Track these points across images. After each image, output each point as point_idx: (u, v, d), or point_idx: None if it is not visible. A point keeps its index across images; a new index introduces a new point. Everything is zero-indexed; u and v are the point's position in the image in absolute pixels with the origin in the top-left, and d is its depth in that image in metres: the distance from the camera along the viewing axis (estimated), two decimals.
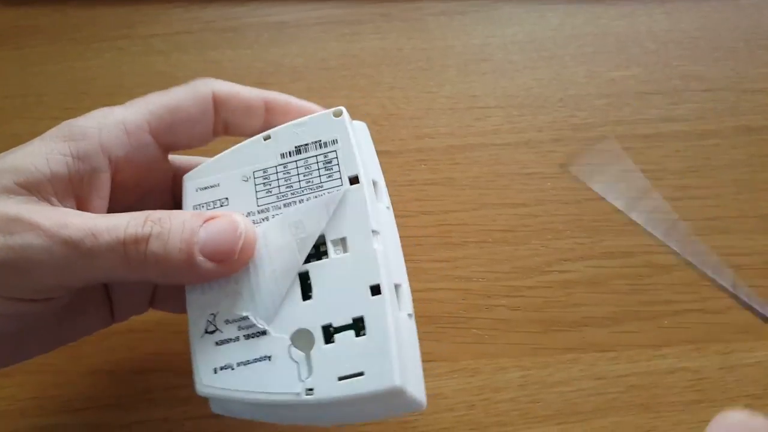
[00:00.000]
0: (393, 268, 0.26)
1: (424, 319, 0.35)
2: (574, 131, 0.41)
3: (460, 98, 0.42)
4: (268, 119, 0.30)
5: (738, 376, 0.34)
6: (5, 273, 0.23)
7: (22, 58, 0.46)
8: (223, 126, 0.29)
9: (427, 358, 0.34)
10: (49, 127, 0.41)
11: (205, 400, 0.33)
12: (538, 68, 0.43)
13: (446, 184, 0.39)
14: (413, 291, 0.35)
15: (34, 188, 0.24)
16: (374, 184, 0.27)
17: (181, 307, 0.29)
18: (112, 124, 0.26)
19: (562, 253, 0.37)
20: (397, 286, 0.26)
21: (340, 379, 0.23)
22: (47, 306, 0.25)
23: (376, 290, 0.24)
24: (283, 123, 0.29)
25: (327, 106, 0.42)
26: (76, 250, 0.23)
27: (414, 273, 0.36)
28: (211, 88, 0.28)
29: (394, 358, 0.23)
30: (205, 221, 0.24)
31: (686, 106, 0.41)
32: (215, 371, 0.25)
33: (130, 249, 0.23)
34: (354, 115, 0.41)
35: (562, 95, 0.42)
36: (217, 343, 0.25)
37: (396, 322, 0.24)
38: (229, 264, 0.24)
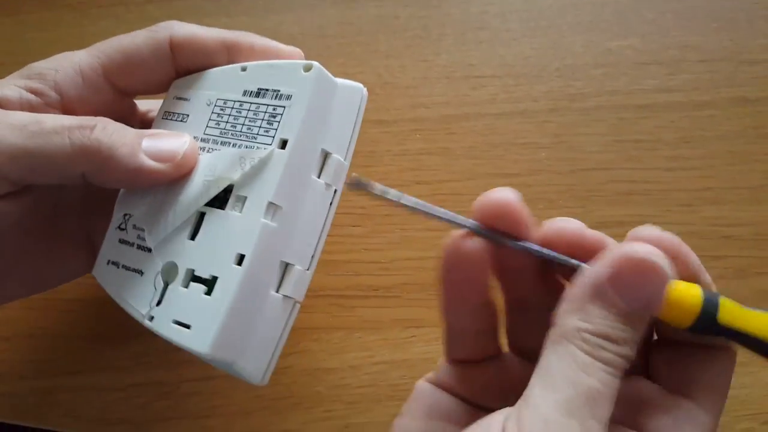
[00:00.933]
0: (292, 248, 0.25)
1: (415, 286, 0.36)
2: (570, 101, 0.40)
3: (457, 67, 0.42)
4: (232, 61, 0.29)
5: None
6: None
7: (18, 25, 0.45)
8: (185, 71, 0.29)
9: (418, 324, 0.35)
10: None
11: (201, 363, 0.34)
12: (535, 37, 0.43)
13: (441, 154, 0.39)
14: (405, 259, 0.36)
15: None
16: (325, 156, 0.26)
17: None
18: (68, 66, 0.27)
19: None
20: (287, 266, 0.25)
21: (174, 322, 0.24)
22: (8, 206, 0.26)
23: (240, 260, 0.24)
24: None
25: None
26: (20, 132, 0.24)
27: (406, 242, 0.37)
28: (169, 33, 0.28)
29: (218, 327, 0.23)
30: (152, 135, 0.26)
31: (683, 77, 0.41)
32: (107, 263, 0.27)
33: (74, 133, 0.24)
34: None
35: (559, 65, 0.42)
36: (119, 241, 0.27)
37: (251, 297, 0.24)
38: (173, 165, 0.25)
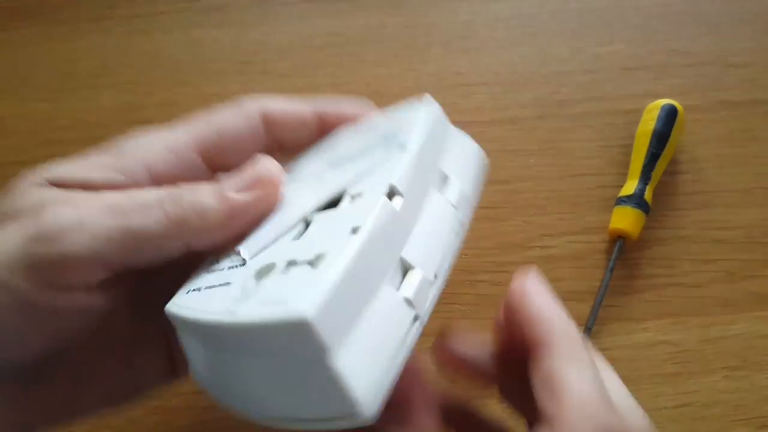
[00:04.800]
0: (414, 249, 0.21)
1: None
2: (558, 107, 0.41)
3: (444, 76, 0.42)
4: (322, 129, 0.28)
5: (717, 349, 0.34)
6: (35, 248, 0.21)
7: (7, 41, 0.45)
8: (278, 144, 0.28)
9: None
10: (35, 109, 0.42)
11: (191, 378, 0.33)
12: (522, 45, 0.43)
13: None
14: None
15: (66, 185, 0.23)
16: (445, 178, 0.25)
17: None
18: (155, 143, 0.26)
19: (544, 228, 0.37)
20: (409, 268, 0.21)
21: (263, 304, 0.19)
22: (88, 300, 0.23)
23: (354, 231, 0.20)
24: (336, 130, 0.28)
25: (311, 84, 0.42)
26: (109, 211, 0.22)
27: None
28: (260, 107, 0.27)
29: (323, 291, 0.17)
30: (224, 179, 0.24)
31: (670, 81, 0.41)
32: (188, 292, 0.23)
33: (165, 203, 0.22)
34: (338, 93, 0.42)
35: (546, 72, 0.42)
36: (208, 270, 0.23)
37: (364, 276, 0.19)
38: (262, 187, 0.24)
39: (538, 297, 0.23)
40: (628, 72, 0.41)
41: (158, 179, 0.25)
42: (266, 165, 0.24)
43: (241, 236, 0.24)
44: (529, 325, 0.22)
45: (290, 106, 0.28)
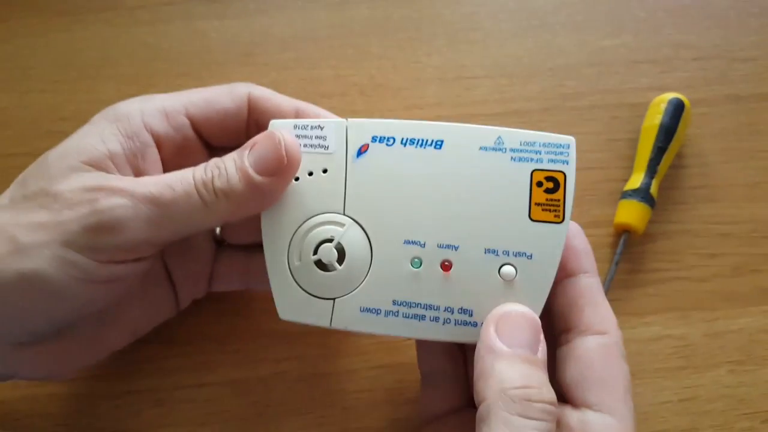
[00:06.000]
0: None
1: None
2: (563, 100, 0.40)
3: (449, 68, 0.42)
4: None
5: (722, 343, 0.34)
6: (99, 235, 0.24)
7: (8, 31, 0.45)
8: (255, 127, 0.31)
9: None
10: (37, 100, 0.42)
11: (195, 370, 0.34)
12: (527, 37, 0.42)
13: None
14: None
15: (98, 165, 0.26)
16: None
17: (236, 284, 0.33)
18: (151, 107, 0.29)
19: None
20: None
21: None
22: (140, 267, 0.27)
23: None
24: None
25: (315, 76, 0.42)
26: (157, 202, 0.25)
27: None
28: (248, 90, 0.30)
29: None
30: (249, 149, 0.26)
31: (675, 75, 0.41)
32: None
33: (202, 191, 0.25)
34: (342, 85, 0.41)
35: (552, 64, 0.41)
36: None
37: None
38: (283, 172, 0.26)
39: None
40: (634, 65, 0.41)
41: (158, 139, 0.28)
42: (289, 144, 0.26)
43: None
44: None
45: (274, 96, 0.31)
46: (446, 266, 0.26)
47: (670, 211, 0.37)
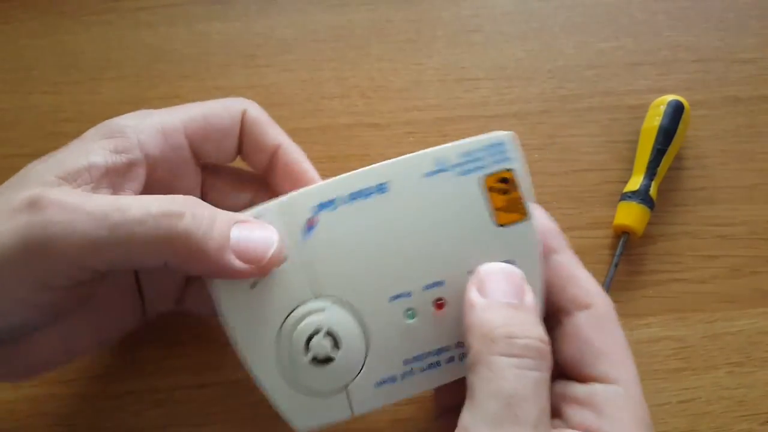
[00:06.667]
0: None
1: None
2: (562, 102, 0.40)
3: (449, 70, 0.42)
4: (272, 162, 0.30)
5: (720, 345, 0.34)
6: (32, 255, 0.22)
7: (11, 32, 0.45)
8: (241, 145, 0.30)
9: None
10: (39, 102, 0.42)
11: (195, 371, 0.34)
12: (527, 39, 0.43)
13: None
14: None
15: (71, 178, 0.24)
16: None
17: (203, 309, 0.31)
18: (149, 125, 0.27)
19: None
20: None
21: None
22: (82, 292, 0.25)
23: None
24: (277, 180, 0.30)
25: (316, 78, 0.42)
26: (101, 222, 0.22)
27: None
28: (243, 107, 0.29)
29: None
30: (237, 223, 0.25)
31: (675, 77, 0.41)
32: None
33: (161, 223, 0.23)
34: (343, 87, 0.42)
35: (551, 66, 0.42)
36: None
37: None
38: (257, 268, 0.24)
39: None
40: (634, 67, 0.41)
41: (152, 159, 0.27)
42: (278, 246, 0.25)
43: None
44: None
45: (266, 124, 0.30)
46: (440, 305, 0.26)
47: (669, 212, 0.37)
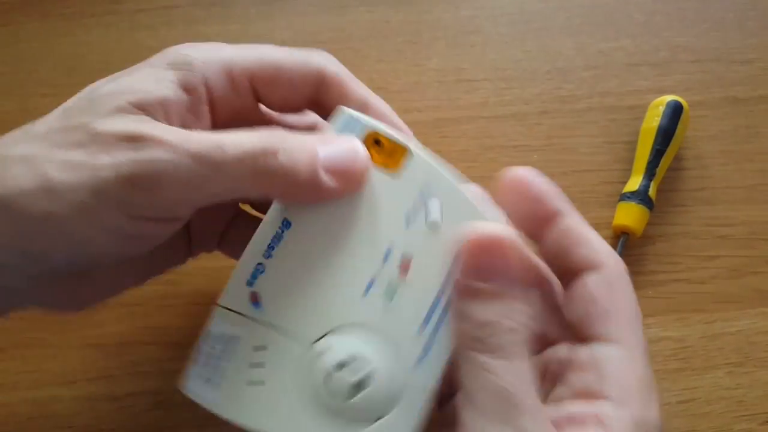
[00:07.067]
0: None
1: None
2: (561, 103, 0.41)
3: (448, 71, 0.42)
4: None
5: (720, 345, 0.34)
6: (135, 190, 0.22)
7: (11, 35, 0.45)
8: (317, 104, 0.29)
9: None
10: (39, 105, 0.42)
11: None
12: (526, 40, 0.43)
13: None
14: None
15: (147, 110, 0.24)
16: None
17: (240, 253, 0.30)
18: (217, 62, 0.26)
19: None
20: None
21: None
22: (172, 227, 0.25)
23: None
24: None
25: None
26: (204, 162, 0.22)
27: None
28: (323, 64, 0.28)
29: None
30: (323, 141, 0.25)
31: (674, 77, 0.41)
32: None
33: (259, 161, 0.23)
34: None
35: (550, 67, 0.42)
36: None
37: None
38: (350, 182, 0.25)
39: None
40: (632, 68, 0.41)
41: (215, 99, 0.26)
42: (363, 159, 0.25)
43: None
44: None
45: (347, 81, 0.29)
46: (405, 266, 0.25)
47: (668, 213, 0.37)
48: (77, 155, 0.22)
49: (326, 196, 0.25)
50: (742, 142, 0.39)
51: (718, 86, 0.40)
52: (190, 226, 0.31)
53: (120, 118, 0.23)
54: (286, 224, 0.25)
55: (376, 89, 0.42)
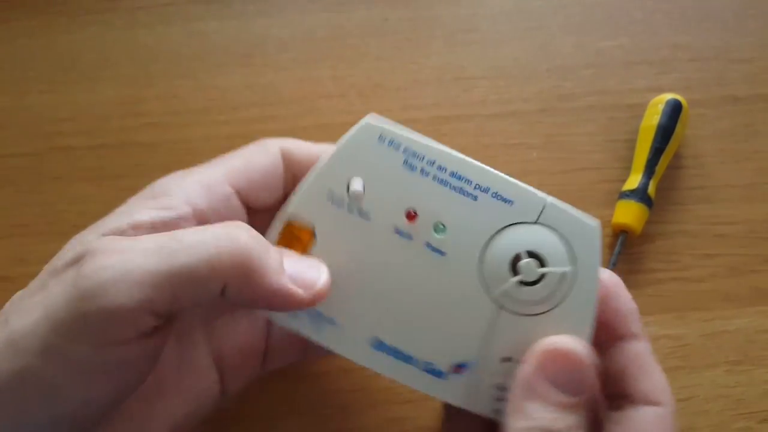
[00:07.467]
0: None
1: None
2: (560, 101, 0.40)
3: (447, 69, 0.42)
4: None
5: (718, 343, 0.34)
6: (86, 309, 0.20)
7: (7, 32, 0.45)
8: (293, 181, 0.28)
9: None
10: (34, 102, 0.42)
11: None
12: (525, 39, 0.43)
13: None
14: None
15: (116, 234, 0.23)
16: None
17: (294, 356, 0.30)
18: (191, 181, 0.26)
19: None
20: None
21: None
22: (145, 347, 0.22)
23: None
24: None
25: (313, 77, 0.42)
26: (157, 253, 0.21)
27: None
28: (279, 144, 0.28)
29: None
30: (287, 257, 0.24)
31: (673, 76, 0.41)
32: None
33: (221, 240, 0.22)
34: (340, 86, 0.42)
35: (549, 65, 0.41)
36: None
37: None
38: (312, 294, 0.24)
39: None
40: (632, 66, 0.41)
41: (200, 214, 0.25)
42: (327, 278, 0.24)
43: None
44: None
45: (302, 144, 0.29)
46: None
47: (667, 211, 0.37)
48: (37, 296, 0.21)
49: (286, 297, 0.23)
50: (741, 141, 0.39)
51: (718, 85, 0.40)
52: (217, 355, 0.28)
53: (78, 244, 0.22)
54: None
55: (375, 87, 0.42)
